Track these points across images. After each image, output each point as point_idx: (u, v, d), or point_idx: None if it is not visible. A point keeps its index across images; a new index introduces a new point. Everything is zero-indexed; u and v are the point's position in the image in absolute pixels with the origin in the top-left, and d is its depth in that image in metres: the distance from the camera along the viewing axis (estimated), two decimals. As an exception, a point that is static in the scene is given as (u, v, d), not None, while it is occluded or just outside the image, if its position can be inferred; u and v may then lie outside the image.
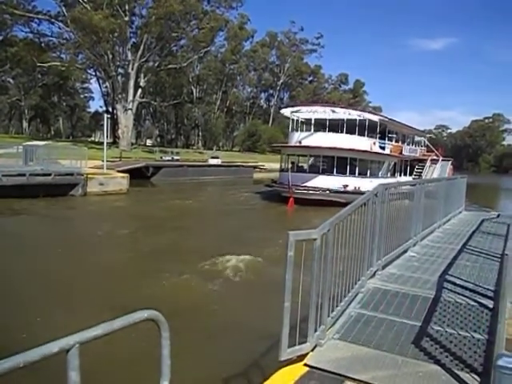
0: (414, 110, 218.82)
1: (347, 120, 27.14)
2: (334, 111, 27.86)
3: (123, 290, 8.61)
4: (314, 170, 28.16)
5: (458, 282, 5.75)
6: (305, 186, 25.50)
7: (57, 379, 2.06)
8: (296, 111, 29.40)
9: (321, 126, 28.70)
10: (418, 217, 7.81)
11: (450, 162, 38.64)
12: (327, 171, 27.30)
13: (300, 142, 27.50)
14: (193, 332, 6.47)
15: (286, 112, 30.96)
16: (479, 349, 3.78)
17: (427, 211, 8.56)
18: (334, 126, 27.73)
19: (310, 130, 28.86)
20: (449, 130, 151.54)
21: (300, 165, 30.48)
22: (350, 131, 27.24)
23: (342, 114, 27.54)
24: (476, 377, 3.31)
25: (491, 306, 4.71)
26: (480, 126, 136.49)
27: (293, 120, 29.69)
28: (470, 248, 8.10)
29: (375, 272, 5.77)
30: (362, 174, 26.93)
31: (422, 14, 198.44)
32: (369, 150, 27.71)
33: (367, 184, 22.06)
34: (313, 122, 28.90)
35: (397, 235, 6.58)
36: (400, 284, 5.61)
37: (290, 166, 28.24)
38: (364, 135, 27.69)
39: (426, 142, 41.65)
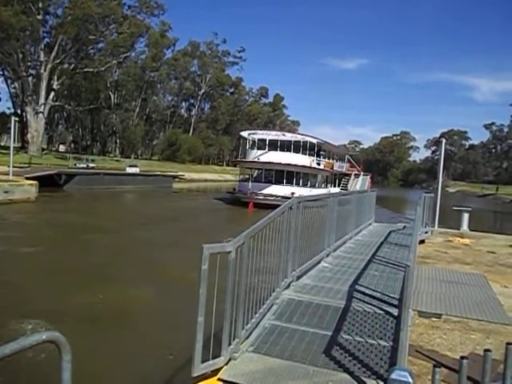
0: (329, 125, 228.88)
1: (293, 142, 34.75)
2: (284, 135, 36.64)
3: None
4: (267, 181, 34.46)
5: (367, 291, 6.02)
6: (261, 193, 31.57)
7: None
8: (253, 133, 37.11)
9: (273, 145, 35.05)
10: (331, 228, 8.11)
11: (369, 176, 47.76)
12: (278, 182, 33.70)
13: (258, 159, 34.42)
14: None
15: (244, 134, 38.10)
16: (385, 355, 3.96)
17: (340, 223, 8.93)
18: (283, 146, 34.78)
19: (264, 149, 35.27)
20: (361, 146, 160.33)
21: (255, 176, 36.82)
22: (296, 150, 34.26)
23: (290, 137, 35.95)
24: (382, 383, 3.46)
25: (396, 314, 4.96)
26: (389, 142, 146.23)
27: (249, 140, 36.75)
28: (378, 258, 8.55)
29: (290, 283, 5.87)
30: (304, 185, 33.81)
31: (336, 35, 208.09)
32: (309, 165, 34.59)
33: (308, 192, 25.95)
34: (267, 142, 35.37)
35: (311, 246, 6.77)
36: (313, 295, 5.76)
37: (249, 177, 35.70)
38: (306, 154, 35.01)
39: (350, 158, 50.60)
